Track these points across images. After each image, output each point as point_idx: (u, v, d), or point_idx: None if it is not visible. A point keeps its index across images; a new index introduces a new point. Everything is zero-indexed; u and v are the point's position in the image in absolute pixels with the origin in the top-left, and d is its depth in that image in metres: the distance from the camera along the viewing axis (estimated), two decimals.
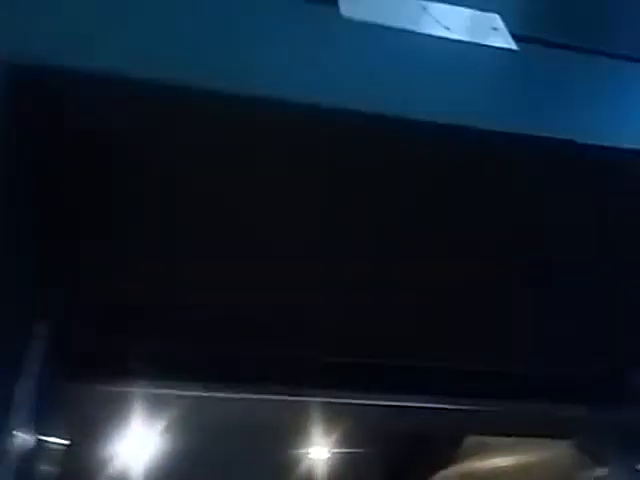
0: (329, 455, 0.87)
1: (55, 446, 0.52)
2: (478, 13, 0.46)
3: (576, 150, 0.40)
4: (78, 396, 0.54)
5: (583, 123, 0.42)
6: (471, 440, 0.79)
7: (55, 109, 0.34)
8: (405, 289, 0.49)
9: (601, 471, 0.63)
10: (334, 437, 0.71)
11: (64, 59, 0.32)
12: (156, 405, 0.56)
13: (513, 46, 0.43)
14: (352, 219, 0.43)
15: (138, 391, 0.54)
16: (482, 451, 0.86)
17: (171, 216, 0.41)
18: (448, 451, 0.86)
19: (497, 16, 0.46)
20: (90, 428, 0.62)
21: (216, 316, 0.48)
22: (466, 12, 0.46)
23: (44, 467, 0.50)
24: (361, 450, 0.88)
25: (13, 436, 0.41)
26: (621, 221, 0.46)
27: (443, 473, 0.88)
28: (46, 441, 0.49)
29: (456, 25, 0.44)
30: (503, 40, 0.44)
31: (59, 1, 0.37)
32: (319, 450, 0.86)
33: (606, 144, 0.40)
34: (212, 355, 0.53)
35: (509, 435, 0.73)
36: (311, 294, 0.48)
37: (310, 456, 0.87)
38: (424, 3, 0.45)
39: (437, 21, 0.43)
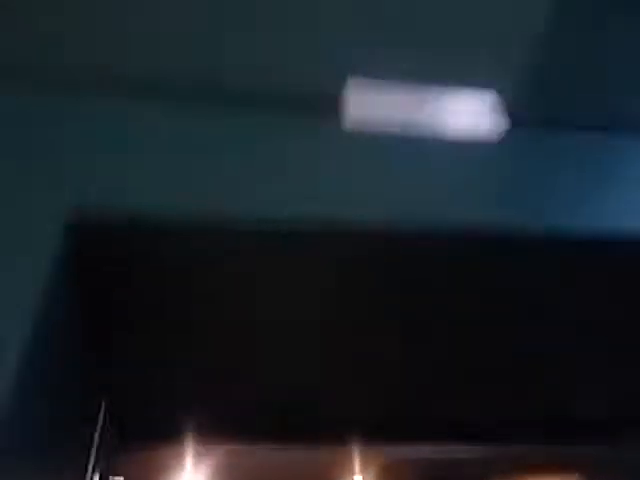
0: None
1: None
2: (469, 99, 0.52)
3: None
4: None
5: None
6: None
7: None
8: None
9: None
10: None
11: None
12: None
13: (500, 133, 0.49)
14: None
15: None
16: None
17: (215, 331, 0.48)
18: None
19: (488, 99, 0.52)
20: None
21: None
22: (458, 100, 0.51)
23: None
24: None
25: None
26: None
27: None
28: None
29: (447, 116, 0.49)
30: (490, 127, 0.49)
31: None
32: None
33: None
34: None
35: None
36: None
37: None
38: (421, 97, 0.50)
39: (431, 115, 0.49)
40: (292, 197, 0.42)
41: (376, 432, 0.62)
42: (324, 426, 0.60)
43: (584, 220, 0.46)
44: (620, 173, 0.50)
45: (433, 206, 0.44)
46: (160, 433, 0.57)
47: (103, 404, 0.51)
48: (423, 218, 0.43)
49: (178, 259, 0.42)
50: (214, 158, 0.43)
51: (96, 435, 0.49)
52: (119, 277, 0.42)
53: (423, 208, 0.44)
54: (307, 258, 0.44)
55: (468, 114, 0.50)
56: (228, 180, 0.42)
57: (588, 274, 0.49)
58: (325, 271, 0.45)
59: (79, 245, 0.38)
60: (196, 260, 0.42)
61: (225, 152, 0.43)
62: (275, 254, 0.43)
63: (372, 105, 0.48)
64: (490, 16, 0.54)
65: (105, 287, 0.42)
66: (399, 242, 0.44)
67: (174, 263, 0.42)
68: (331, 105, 0.46)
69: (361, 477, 0.63)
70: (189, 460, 0.59)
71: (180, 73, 0.46)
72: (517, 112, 0.50)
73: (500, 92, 0.51)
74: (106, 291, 0.43)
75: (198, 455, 0.59)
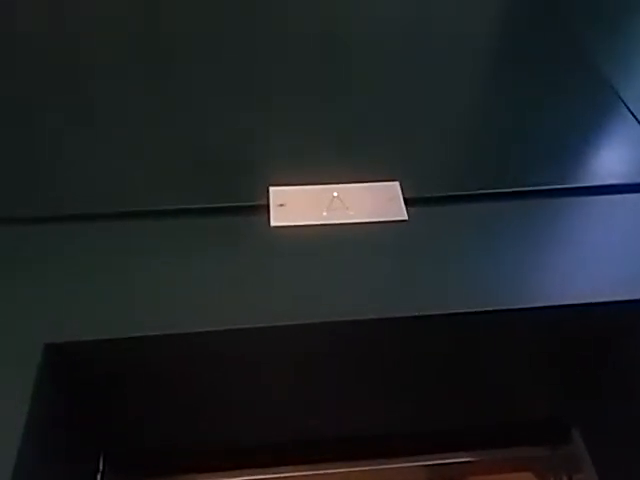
0: None
1: None
2: (379, 186, 0.60)
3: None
4: None
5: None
6: None
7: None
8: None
9: None
10: None
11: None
12: None
13: (404, 217, 0.57)
14: None
15: None
16: None
17: None
18: None
19: (397, 184, 0.60)
20: None
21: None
22: (367, 188, 0.60)
23: None
24: None
25: None
26: None
27: None
28: None
29: (358, 205, 0.57)
30: (396, 211, 0.57)
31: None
32: None
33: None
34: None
35: None
36: None
37: None
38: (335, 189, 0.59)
39: (345, 206, 0.57)
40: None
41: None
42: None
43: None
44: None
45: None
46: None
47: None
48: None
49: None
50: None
51: None
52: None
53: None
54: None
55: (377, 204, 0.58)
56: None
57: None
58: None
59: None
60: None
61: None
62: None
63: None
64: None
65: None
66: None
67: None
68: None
69: None
70: None
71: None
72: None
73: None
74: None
75: None
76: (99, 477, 0.59)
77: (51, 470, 0.49)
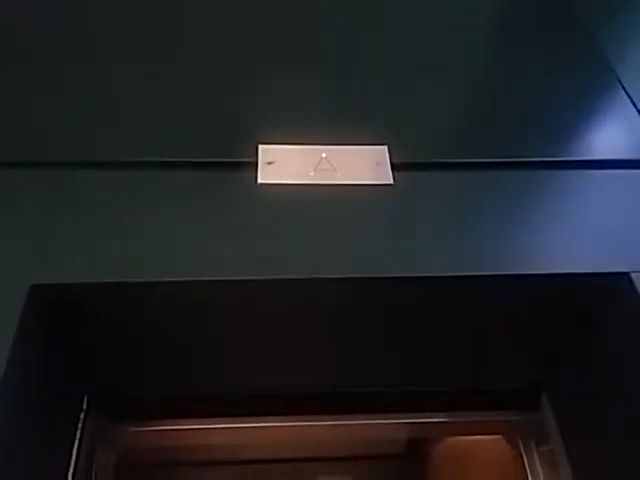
0: None
1: None
2: (367, 149, 0.60)
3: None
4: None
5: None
6: None
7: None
8: None
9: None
10: None
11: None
12: None
13: (390, 181, 0.58)
14: None
15: None
16: None
17: None
18: None
19: (385, 148, 0.61)
20: None
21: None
22: (356, 150, 0.60)
23: None
24: None
25: None
26: None
27: None
28: None
29: (346, 167, 0.58)
30: (382, 175, 0.58)
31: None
32: None
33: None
34: None
35: None
36: None
37: None
38: (323, 150, 0.59)
39: (333, 168, 0.58)
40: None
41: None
42: None
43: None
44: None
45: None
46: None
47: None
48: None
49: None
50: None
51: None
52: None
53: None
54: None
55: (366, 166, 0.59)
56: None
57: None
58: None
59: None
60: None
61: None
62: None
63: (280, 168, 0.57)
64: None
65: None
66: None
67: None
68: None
69: None
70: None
71: None
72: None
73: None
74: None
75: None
76: (82, 416, 0.61)
77: (33, 408, 0.51)
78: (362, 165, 0.58)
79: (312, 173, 0.57)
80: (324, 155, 0.59)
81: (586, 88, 0.74)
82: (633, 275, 0.54)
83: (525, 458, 0.80)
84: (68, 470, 0.59)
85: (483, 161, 0.62)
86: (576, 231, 0.57)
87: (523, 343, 0.68)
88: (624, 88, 0.72)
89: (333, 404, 0.76)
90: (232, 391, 0.70)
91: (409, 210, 0.57)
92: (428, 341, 0.65)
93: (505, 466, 0.87)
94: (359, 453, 1.29)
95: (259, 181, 0.56)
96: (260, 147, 0.58)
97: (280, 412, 0.75)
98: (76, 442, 0.61)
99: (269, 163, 0.57)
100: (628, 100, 0.71)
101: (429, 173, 0.60)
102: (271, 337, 0.60)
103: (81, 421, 0.62)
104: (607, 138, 0.67)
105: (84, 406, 0.63)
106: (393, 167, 0.59)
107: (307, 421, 0.77)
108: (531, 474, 0.80)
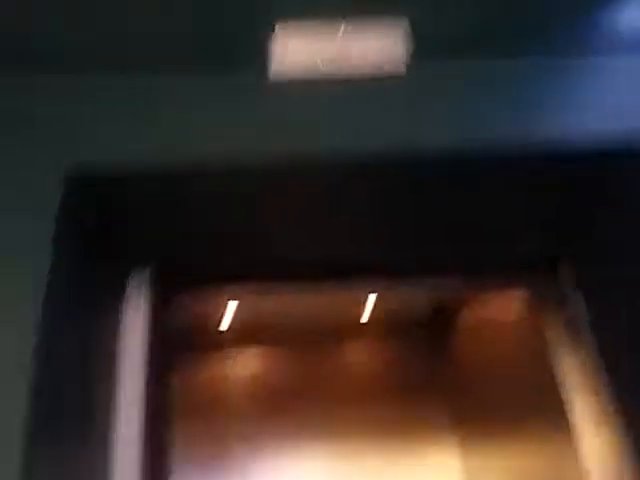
0: None
1: None
2: (386, 23, 0.59)
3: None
4: None
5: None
6: None
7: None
8: None
9: None
10: None
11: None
12: None
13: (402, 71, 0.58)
14: None
15: None
16: None
17: None
18: None
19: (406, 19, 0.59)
20: None
21: None
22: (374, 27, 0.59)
23: None
24: None
25: None
26: None
27: None
28: None
29: (361, 50, 0.58)
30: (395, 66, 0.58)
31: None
32: None
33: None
34: None
35: None
36: None
37: None
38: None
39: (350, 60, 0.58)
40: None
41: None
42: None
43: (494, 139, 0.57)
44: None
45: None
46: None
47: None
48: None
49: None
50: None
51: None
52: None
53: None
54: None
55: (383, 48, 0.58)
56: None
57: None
58: None
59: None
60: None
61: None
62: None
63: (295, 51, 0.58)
64: None
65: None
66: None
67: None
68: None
69: None
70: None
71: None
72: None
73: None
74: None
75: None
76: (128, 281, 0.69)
77: (84, 276, 0.59)
78: (377, 48, 0.58)
79: (327, 57, 0.58)
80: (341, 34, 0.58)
81: None
82: None
83: (545, 320, 0.84)
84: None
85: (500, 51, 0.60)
86: (593, 111, 0.58)
87: (544, 213, 0.70)
88: None
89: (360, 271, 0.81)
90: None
91: (422, 93, 0.58)
92: (448, 214, 0.68)
93: (526, 329, 0.92)
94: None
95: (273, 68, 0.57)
96: (277, 26, 0.59)
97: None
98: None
99: (283, 46, 0.58)
100: None
101: (441, 63, 0.59)
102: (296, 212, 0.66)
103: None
104: None
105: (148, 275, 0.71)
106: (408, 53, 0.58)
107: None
108: (551, 337, 0.83)
